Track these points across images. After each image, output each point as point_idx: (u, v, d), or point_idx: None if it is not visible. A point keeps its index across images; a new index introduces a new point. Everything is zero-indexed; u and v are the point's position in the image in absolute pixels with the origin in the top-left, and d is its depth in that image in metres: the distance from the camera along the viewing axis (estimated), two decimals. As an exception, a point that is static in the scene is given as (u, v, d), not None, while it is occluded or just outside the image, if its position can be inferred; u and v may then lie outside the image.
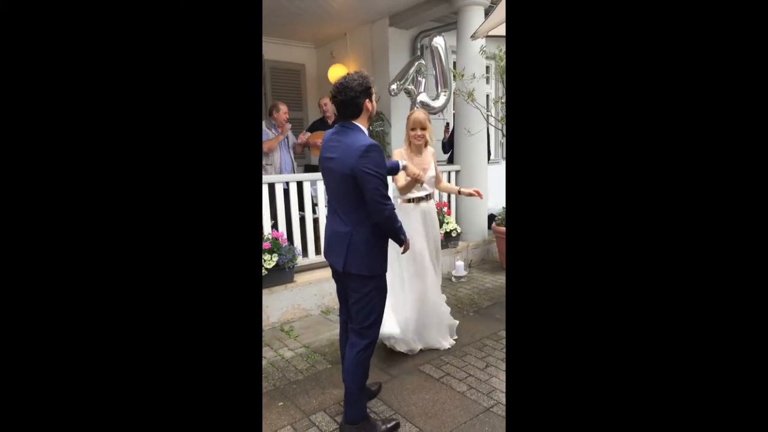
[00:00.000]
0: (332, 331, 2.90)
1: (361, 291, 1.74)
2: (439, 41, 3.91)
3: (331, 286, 3.31)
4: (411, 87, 4.13)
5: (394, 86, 4.09)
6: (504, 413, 1.95)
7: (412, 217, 2.47)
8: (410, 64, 4.19)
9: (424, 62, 4.22)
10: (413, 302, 2.49)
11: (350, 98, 1.67)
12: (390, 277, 1.97)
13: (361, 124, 1.73)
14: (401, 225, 1.78)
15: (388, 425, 1.86)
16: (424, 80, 4.19)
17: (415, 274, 2.49)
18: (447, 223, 3.94)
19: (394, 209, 1.71)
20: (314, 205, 3.48)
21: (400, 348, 2.50)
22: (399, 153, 2.46)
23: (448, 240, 3.97)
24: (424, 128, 2.41)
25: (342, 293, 1.93)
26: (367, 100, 1.71)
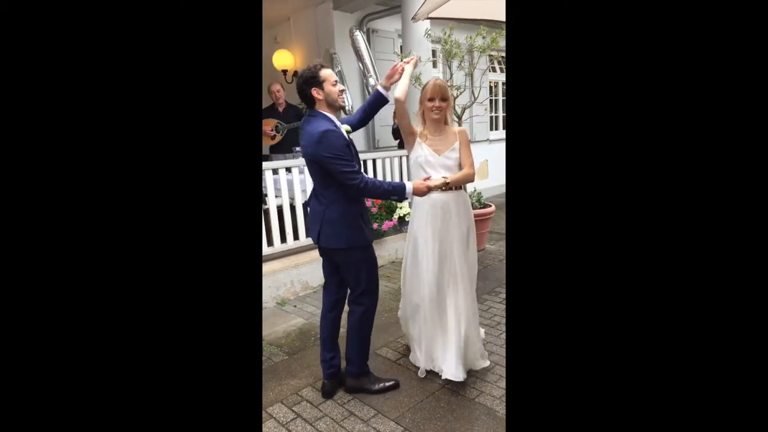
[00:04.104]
0: (288, 322, 2.87)
1: (348, 262, 1.92)
2: (357, 35, 4.03)
3: (286, 278, 3.27)
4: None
5: None
6: (456, 389, 2.01)
7: (417, 212, 2.11)
8: (325, 59, 4.27)
9: (336, 54, 4.32)
10: (417, 311, 2.15)
11: (299, 90, 1.81)
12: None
13: (323, 110, 1.82)
14: (388, 185, 1.85)
15: (386, 383, 2.04)
16: (338, 68, 4.30)
17: (417, 280, 2.12)
18: (400, 208, 3.98)
19: (366, 178, 1.78)
20: (264, 195, 3.39)
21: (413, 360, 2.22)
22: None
23: (401, 224, 4.01)
24: (444, 99, 1.98)
25: (328, 271, 2.07)
26: (314, 88, 1.78)
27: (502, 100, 7.09)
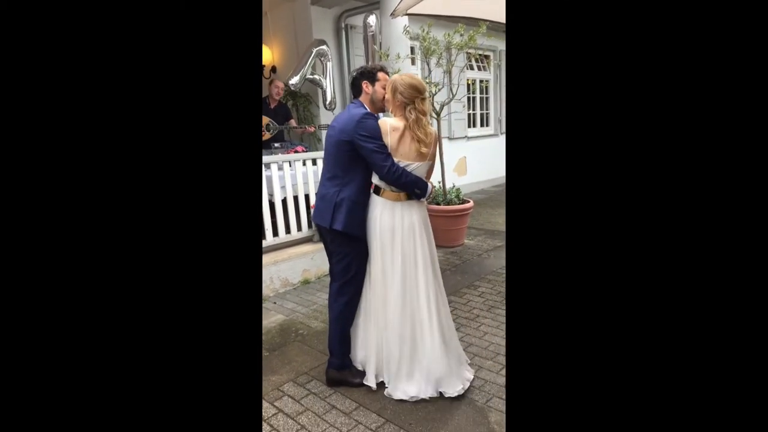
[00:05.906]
0: (268, 319, 2.85)
1: (342, 249, 1.96)
2: (371, 18, 3.93)
3: (266, 275, 3.24)
4: (316, 76, 4.13)
5: (294, 80, 4.02)
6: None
7: (374, 211, 1.95)
8: (308, 53, 4.10)
9: (326, 47, 4.19)
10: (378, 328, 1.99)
11: (354, 78, 2.00)
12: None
13: (365, 102, 1.97)
14: (415, 176, 1.86)
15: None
16: (329, 64, 4.18)
17: (377, 293, 1.97)
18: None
19: (397, 166, 1.82)
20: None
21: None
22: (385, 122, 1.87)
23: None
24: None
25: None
26: (366, 82, 1.95)
27: (480, 97, 7.18)
